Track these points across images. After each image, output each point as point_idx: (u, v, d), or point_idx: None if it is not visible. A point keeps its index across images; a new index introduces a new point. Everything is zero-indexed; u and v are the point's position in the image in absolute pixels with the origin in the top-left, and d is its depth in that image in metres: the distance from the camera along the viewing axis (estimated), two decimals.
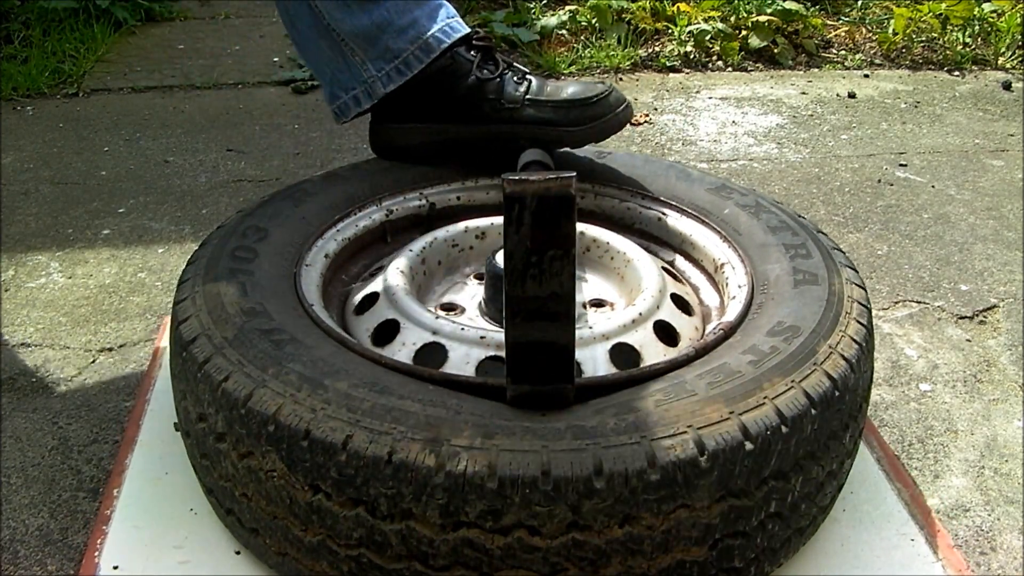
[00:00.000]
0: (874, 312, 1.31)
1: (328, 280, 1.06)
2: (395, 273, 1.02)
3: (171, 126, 2.16)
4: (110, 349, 1.26)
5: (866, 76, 2.68)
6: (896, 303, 1.42)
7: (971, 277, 1.50)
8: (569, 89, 1.19)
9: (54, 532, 0.94)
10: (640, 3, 2.88)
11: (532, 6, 3.00)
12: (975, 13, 2.88)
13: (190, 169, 1.90)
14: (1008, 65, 2.78)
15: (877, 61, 2.81)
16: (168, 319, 1.23)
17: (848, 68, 2.76)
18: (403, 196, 1.19)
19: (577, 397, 0.76)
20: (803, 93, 2.49)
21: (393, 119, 1.26)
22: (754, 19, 2.76)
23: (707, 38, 2.73)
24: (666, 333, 0.96)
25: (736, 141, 2.12)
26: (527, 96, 1.19)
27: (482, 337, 0.90)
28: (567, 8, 2.94)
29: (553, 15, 2.90)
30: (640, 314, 0.95)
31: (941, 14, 2.88)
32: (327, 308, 0.99)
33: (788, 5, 2.80)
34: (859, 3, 3.13)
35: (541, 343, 0.73)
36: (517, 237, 0.70)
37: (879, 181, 1.90)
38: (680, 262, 1.15)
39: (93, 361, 1.24)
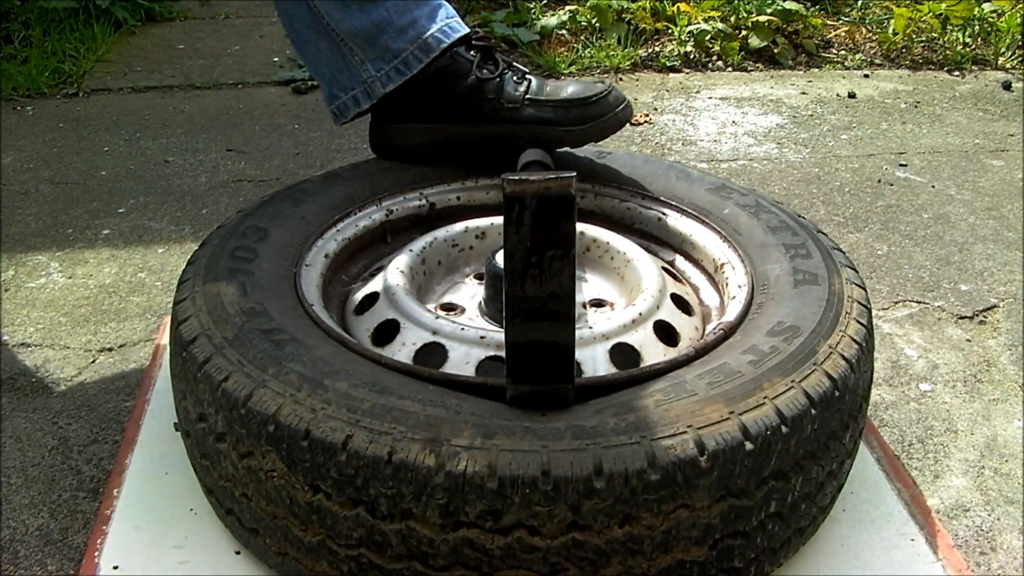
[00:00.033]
0: (874, 312, 1.31)
1: (328, 280, 1.06)
2: (395, 273, 1.02)
3: (171, 126, 2.16)
4: (110, 349, 1.26)
5: (866, 76, 2.68)
6: (896, 303, 1.42)
7: (971, 277, 1.50)
8: (569, 89, 1.19)
9: (54, 532, 0.94)
10: (640, 3, 2.88)
11: (532, 6, 3.00)
12: (975, 13, 2.88)
13: (190, 169, 1.90)
14: (1008, 65, 2.78)
15: (877, 61, 2.81)
16: (168, 319, 1.23)
17: (848, 68, 2.76)
18: (403, 196, 1.19)
19: (577, 397, 0.76)
20: (803, 93, 2.49)
21: (393, 119, 1.26)
22: (754, 19, 2.76)
23: (707, 38, 2.74)
24: (666, 333, 0.96)
25: (736, 141, 2.12)
26: (527, 96, 1.19)
27: (482, 337, 0.90)
28: (567, 8, 2.94)
29: (553, 15, 2.90)
30: (640, 314, 0.95)
31: (941, 14, 2.88)
32: (327, 308, 0.99)
33: (788, 5, 2.80)
34: (859, 3, 3.13)
35: (541, 343, 0.73)
36: (517, 237, 0.70)
37: (879, 181, 1.90)
38: (680, 262, 1.15)
39: (93, 361, 1.24)
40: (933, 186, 1.88)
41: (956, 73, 2.72)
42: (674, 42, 2.76)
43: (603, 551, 0.70)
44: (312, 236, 1.07)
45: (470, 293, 1.08)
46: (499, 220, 1.10)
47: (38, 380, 1.19)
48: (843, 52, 2.86)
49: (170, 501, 0.94)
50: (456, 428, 0.71)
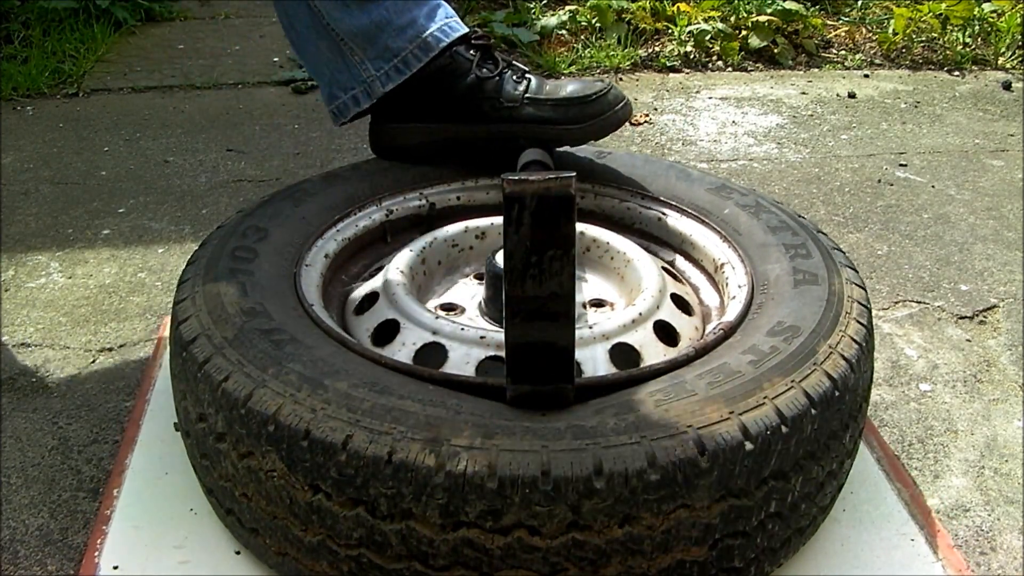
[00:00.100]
0: (874, 312, 1.31)
1: (328, 280, 1.06)
2: (395, 273, 1.02)
3: (171, 126, 2.16)
4: (110, 349, 1.26)
5: (866, 76, 2.68)
6: (896, 303, 1.42)
7: (971, 277, 1.50)
8: (568, 87, 1.19)
9: (54, 532, 0.94)
10: (640, 3, 2.88)
11: (532, 6, 3.00)
12: (975, 13, 2.88)
13: (190, 169, 1.90)
14: (1008, 65, 2.78)
15: (877, 61, 2.81)
16: (168, 319, 1.23)
17: (848, 68, 2.76)
18: (403, 196, 1.19)
19: (577, 397, 0.76)
20: (803, 93, 2.49)
21: (393, 119, 1.26)
22: (754, 19, 2.76)
23: (707, 38, 2.73)
24: (666, 333, 0.96)
25: (736, 141, 2.12)
26: (526, 95, 1.19)
27: (482, 337, 0.90)
28: (567, 8, 2.94)
29: (553, 15, 2.90)
30: (640, 314, 0.95)
31: (941, 14, 2.88)
32: (327, 308, 0.99)
33: (788, 5, 2.80)
34: (859, 3, 3.13)
35: (541, 343, 0.73)
36: (517, 237, 0.70)
37: (879, 181, 1.90)
38: (680, 262, 1.15)
39: (93, 361, 1.24)
40: (933, 186, 1.88)
41: (956, 73, 2.72)
42: (674, 42, 2.75)
43: (603, 551, 0.70)
44: (312, 236, 1.06)
45: (470, 293, 1.08)
46: (499, 220, 1.10)
47: (38, 380, 1.19)
48: (843, 52, 2.86)
49: (170, 501, 0.94)
50: (456, 428, 0.71)
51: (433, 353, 0.91)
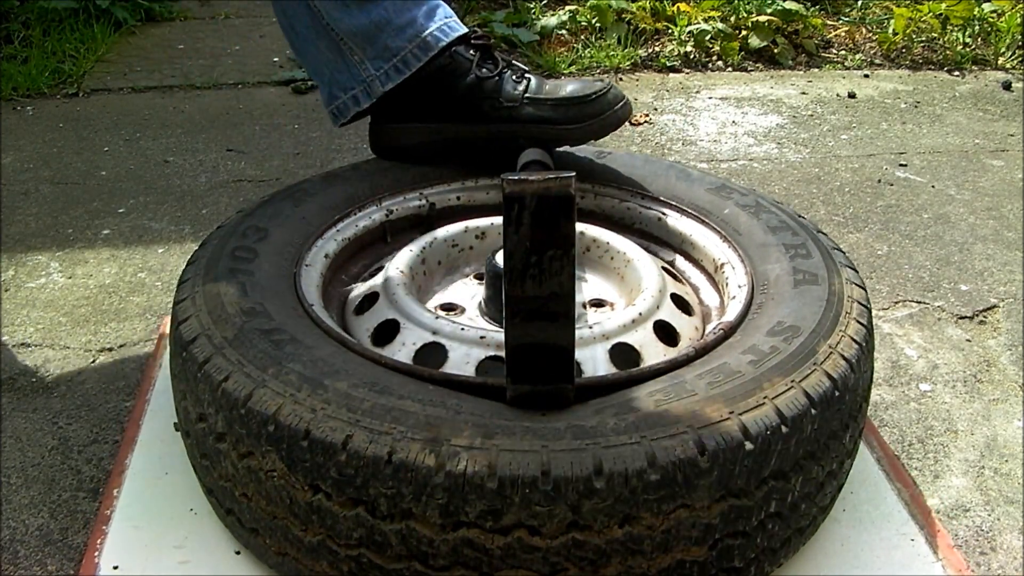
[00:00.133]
0: (874, 312, 1.31)
1: (328, 280, 1.06)
2: (395, 273, 1.02)
3: (171, 126, 2.16)
4: (110, 349, 1.26)
5: (866, 76, 2.68)
6: (896, 303, 1.42)
7: (971, 277, 1.50)
8: (568, 87, 1.19)
9: (54, 532, 0.94)
10: (640, 3, 2.88)
11: (532, 6, 3.00)
12: (975, 13, 2.88)
13: (190, 169, 1.90)
14: (1008, 65, 2.78)
15: (877, 61, 2.81)
16: (168, 319, 1.23)
17: (848, 68, 2.76)
18: (403, 196, 1.19)
19: (577, 397, 0.76)
20: (803, 93, 2.49)
21: (393, 119, 1.26)
22: (754, 19, 2.76)
23: (707, 38, 2.73)
24: (666, 333, 0.96)
25: (736, 141, 2.12)
26: (526, 95, 1.19)
27: (482, 337, 0.90)
28: (567, 8, 2.94)
29: (553, 15, 2.90)
30: (640, 314, 0.95)
31: (941, 14, 2.88)
32: (327, 308, 0.99)
33: (788, 5, 2.80)
34: (859, 3, 3.13)
35: (541, 343, 0.72)
36: (517, 237, 0.70)
37: (879, 181, 1.90)
38: (680, 262, 1.15)
39: (93, 361, 1.24)
40: (933, 186, 1.88)
41: (956, 73, 2.72)
42: (674, 42, 2.75)
43: (603, 551, 0.70)
44: (312, 236, 1.07)
45: (470, 293, 1.08)
46: (499, 220, 1.10)
47: (38, 380, 1.19)
48: (843, 52, 2.86)
49: (170, 501, 0.94)
50: (456, 428, 0.71)
51: (433, 353, 0.91)
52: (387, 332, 0.95)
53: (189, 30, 3.01)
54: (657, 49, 2.77)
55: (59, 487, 1.00)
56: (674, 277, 1.09)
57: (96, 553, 0.88)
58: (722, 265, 1.06)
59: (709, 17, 2.80)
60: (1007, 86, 2.58)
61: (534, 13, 2.94)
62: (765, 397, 0.76)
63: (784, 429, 0.74)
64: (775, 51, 2.75)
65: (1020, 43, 2.83)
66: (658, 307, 0.97)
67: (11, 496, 0.99)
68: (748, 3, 2.85)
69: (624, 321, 0.93)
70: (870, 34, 2.96)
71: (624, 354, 0.91)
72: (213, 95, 2.40)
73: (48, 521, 0.96)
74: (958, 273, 1.51)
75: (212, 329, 0.84)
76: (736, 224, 1.09)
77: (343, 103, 1.26)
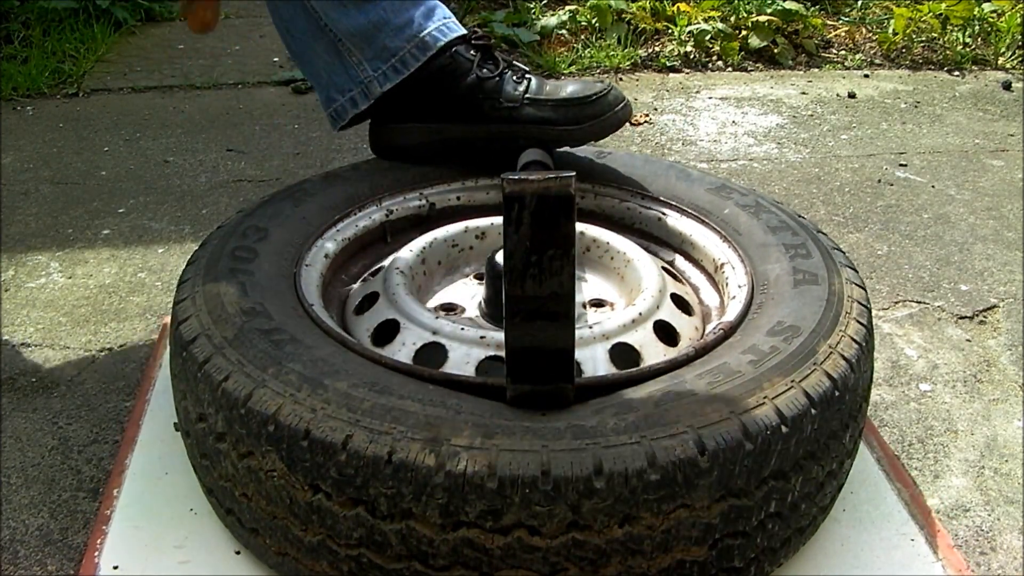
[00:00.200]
0: (874, 312, 1.31)
1: (328, 280, 1.06)
2: (395, 273, 1.02)
3: (171, 126, 2.16)
4: (110, 349, 1.26)
5: (866, 76, 2.68)
6: (896, 303, 1.42)
7: (971, 277, 1.50)
8: (568, 88, 1.19)
9: (54, 532, 0.94)
10: (640, 3, 2.88)
11: (532, 6, 3.00)
12: (975, 13, 2.88)
13: (190, 169, 1.90)
14: (1008, 65, 2.78)
15: (877, 61, 2.81)
16: (168, 319, 1.23)
17: (848, 68, 2.76)
18: (403, 196, 1.19)
19: (577, 397, 0.76)
20: (803, 93, 2.49)
21: (393, 119, 1.26)
22: (754, 19, 2.76)
23: (707, 38, 2.73)
24: (666, 333, 0.96)
25: (736, 141, 2.12)
26: (526, 95, 1.19)
27: (482, 337, 0.90)
28: (567, 8, 2.94)
29: (553, 15, 2.90)
30: (640, 314, 0.95)
31: (941, 14, 2.88)
32: (327, 308, 0.99)
33: (788, 5, 2.80)
34: (859, 3, 3.13)
35: (541, 343, 0.72)
36: (517, 237, 0.70)
37: (879, 181, 1.90)
38: (680, 262, 1.15)
39: (93, 361, 1.24)
40: (933, 186, 1.88)
41: (956, 73, 2.72)
42: (674, 42, 2.75)
43: (603, 551, 0.70)
44: (312, 236, 1.07)
45: (470, 293, 1.08)
46: (499, 220, 1.10)
47: (38, 380, 1.19)
48: (843, 52, 2.86)
49: (170, 501, 0.94)
50: (456, 428, 0.71)
51: (433, 353, 0.91)
52: (387, 332, 0.95)
53: (189, 30, 3.01)
54: (657, 49, 2.77)
55: (59, 487, 1.00)
56: (674, 277, 1.09)
57: (96, 553, 0.88)
58: (722, 265, 1.06)
59: (709, 17, 2.80)
60: (1007, 86, 2.58)
61: (534, 13, 2.94)
62: (765, 397, 0.76)
63: (784, 429, 0.74)
64: (775, 51, 2.75)
65: (1020, 43, 2.83)
66: (658, 307, 0.97)
67: (11, 496, 0.99)
68: (748, 3, 2.85)
69: (624, 321, 0.93)
70: (870, 34, 2.96)
71: (624, 354, 0.91)
72: (213, 95, 2.40)
73: (48, 521, 0.96)
74: (958, 273, 1.51)
75: (212, 329, 0.84)
76: (736, 224, 1.09)
77: (341, 105, 1.26)
